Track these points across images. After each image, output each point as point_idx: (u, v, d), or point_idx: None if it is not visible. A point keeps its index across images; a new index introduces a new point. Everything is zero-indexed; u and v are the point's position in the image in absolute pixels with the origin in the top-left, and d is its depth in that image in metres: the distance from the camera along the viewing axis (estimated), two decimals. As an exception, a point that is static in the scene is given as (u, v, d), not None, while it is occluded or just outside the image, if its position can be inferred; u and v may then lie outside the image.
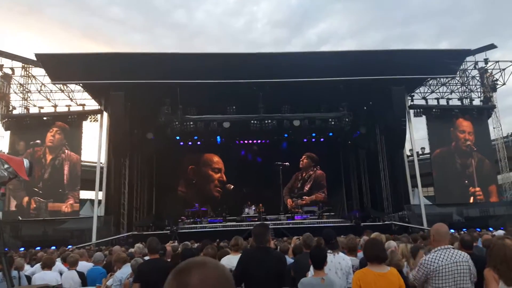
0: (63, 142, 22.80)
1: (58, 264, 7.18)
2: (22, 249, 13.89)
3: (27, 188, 22.13)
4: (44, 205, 22.01)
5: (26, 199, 22.07)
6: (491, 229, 15.25)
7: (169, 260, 6.42)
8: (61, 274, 6.47)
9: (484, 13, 61.70)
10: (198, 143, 26.48)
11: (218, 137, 25.42)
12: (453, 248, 3.69)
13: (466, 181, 23.42)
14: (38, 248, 13.52)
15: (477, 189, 23.43)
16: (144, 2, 64.98)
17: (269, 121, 21.67)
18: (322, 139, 27.53)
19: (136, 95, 20.78)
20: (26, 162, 3.93)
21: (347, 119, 21.87)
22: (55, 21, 58.29)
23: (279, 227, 19.86)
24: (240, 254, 4.68)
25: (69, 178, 22.53)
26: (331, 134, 26.01)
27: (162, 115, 21.15)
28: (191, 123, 21.61)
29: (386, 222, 21.65)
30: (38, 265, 7.11)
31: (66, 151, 22.73)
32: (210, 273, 1.11)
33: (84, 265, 6.92)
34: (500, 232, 7.21)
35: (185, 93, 20.31)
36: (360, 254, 5.46)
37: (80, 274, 6.41)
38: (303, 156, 29.00)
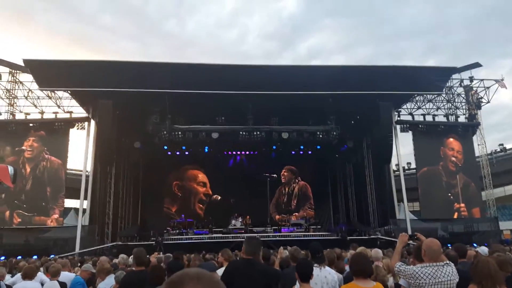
0: (41, 149, 22.17)
1: (40, 274, 7.01)
2: (3, 258, 13.53)
3: (8, 201, 21.42)
4: (28, 219, 21.23)
5: (7, 213, 21.25)
6: (475, 245, 15.41)
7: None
8: (42, 284, 6.34)
9: (471, 32, 63.29)
10: (186, 153, 26.32)
11: (206, 148, 25.32)
12: (443, 266, 3.65)
13: (452, 197, 23.68)
14: (20, 257, 13.21)
15: (462, 205, 23.68)
16: (136, 10, 65.15)
17: (258, 132, 21.71)
18: (310, 152, 27.68)
19: (125, 103, 20.63)
20: (10, 169, 3.88)
21: (334, 133, 22.04)
22: (44, 27, 58.01)
23: (265, 239, 19.78)
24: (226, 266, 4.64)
25: (52, 186, 21.86)
26: (319, 147, 26.14)
27: (150, 124, 21.03)
28: (180, 132, 21.53)
29: (372, 236, 21.76)
30: (19, 275, 6.94)
31: (46, 156, 22.06)
32: (205, 287, 1.09)
33: (67, 276, 6.76)
34: (484, 249, 7.28)
35: (174, 102, 20.28)
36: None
37: (62, 285, 6.28)
38: (283, 170, 29.21)
